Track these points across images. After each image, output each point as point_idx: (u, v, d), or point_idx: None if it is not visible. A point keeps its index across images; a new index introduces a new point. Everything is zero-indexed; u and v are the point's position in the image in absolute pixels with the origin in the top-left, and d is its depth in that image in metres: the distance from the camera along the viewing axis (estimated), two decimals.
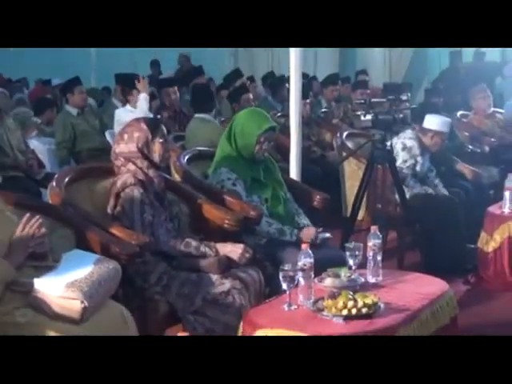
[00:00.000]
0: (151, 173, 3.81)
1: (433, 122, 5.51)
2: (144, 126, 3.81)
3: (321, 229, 4.12)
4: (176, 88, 7.38)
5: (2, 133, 5.98)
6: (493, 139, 6.45)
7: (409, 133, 5.52)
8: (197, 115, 6.48)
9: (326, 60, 11.16)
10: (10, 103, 8.13)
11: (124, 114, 6.42)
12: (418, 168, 5.54)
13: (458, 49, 11.44)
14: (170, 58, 11.52)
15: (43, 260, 3.22)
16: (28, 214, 3.16)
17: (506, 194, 5.06)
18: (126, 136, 3.83)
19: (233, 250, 3.73)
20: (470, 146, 6.33)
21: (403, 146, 5.44)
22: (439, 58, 12.19)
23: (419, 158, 5.53)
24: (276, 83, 8.61)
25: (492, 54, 11.32)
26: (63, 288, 2.98)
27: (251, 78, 9.73)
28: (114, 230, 3.57)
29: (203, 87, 7.36)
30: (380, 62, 10.27)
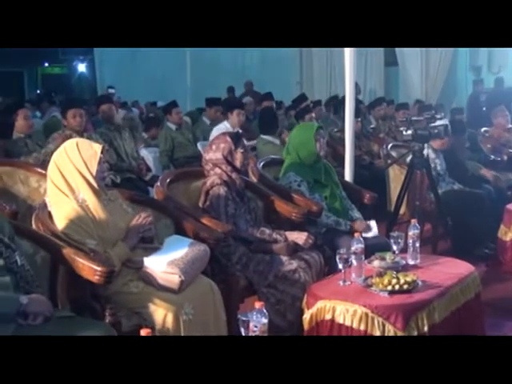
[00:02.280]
0: (234, 175, 3.97)
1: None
2: (228, 139, 3.98)
3: (372, 226, 4.22)
4: (242, 111, 7.36)
5: (121, 144, 6.34)
6: (510, 150, 6.48)
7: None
8: (262, 136, 6.75)
9: (374, 83, 11.30)
10: (125, 121, 8.34)
11: (223, 127, 6.72)
12: (438, 168, 5.64)
13: (480, 77, 11.67)
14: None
15: (151, 243, 3.43)
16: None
17: None
18: (214, 146, 4.01)
19: (299, 237, 3.87)
20: (492, 156, 6.31)
21: (428, 154, 5.39)
22: (466, 83, 12.17)
23: (437, 160, 5.64)
24: (336, 105, 8.78)
25: (510, 80, 11.49)
26: (165, 265, 3.18)
27: (317, 102, 9.74)
28: (204, 220, 3.72)
29: (270, 112, 7.42)
30: (418, 84, 10.40)
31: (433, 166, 5.55)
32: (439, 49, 10.20)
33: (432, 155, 5.62)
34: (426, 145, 5.12)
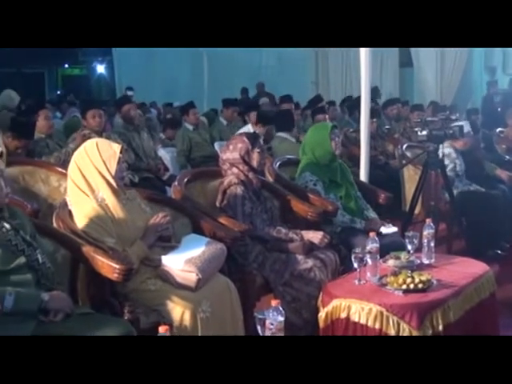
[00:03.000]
0: (250, 175, 3.98)
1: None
2: (245, 139, 4.00)
3: (387, 225, 4.19)
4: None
5: (139, 144, 6.33)
6: None
7: (446, 143, 5.44)
8: (278, 134, 6.72)
9: (389, 84, 11.28)
10: (143, 121, 8.44)
11: (247, 130, 6.66)
12: (458, 169, 5.61)
13: (495, 78, 11.69)
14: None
15: (168, 242, 3.43)
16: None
17: None
18: (231, 146, 4.02)
19: (314, 236, 3.85)
20: (507, 156, 6.30)
21: (443, 154, 5.33)
22: (481, 83, 12.14)
23: (457, 161, 5.62)
24: (351, 106, 8.74)
25: None
26: (183, 263, 3.19)
27: (331, 102, 9.72)
28: (221, 219, 3.73)
29: (287, 112, 7.42)
30: (433, 85, 10.36)
31: (452, 165, 5.60)
32: (454, 49, 10.15)
33: (453, 155, 5.64)
34: (441, 145, 5.10)
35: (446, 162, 5.48)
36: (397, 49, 11.23)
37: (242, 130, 6.69)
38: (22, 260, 2.84)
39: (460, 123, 5.25)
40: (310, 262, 3.75)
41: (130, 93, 9.73)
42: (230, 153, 4.02)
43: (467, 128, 5.55)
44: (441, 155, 5.10)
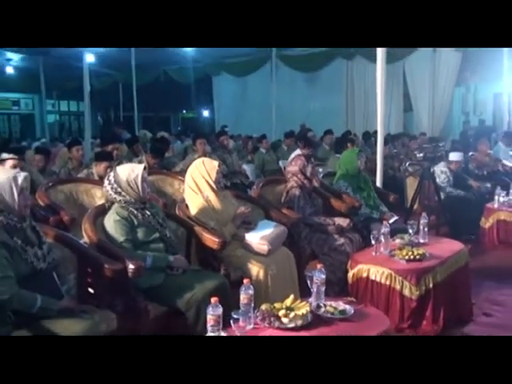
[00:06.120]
0: (305, 182, 3.92)
1: (453, 156, 5.57)
2: (303, 158, 4.00)
3: (394, 216, 4.09)
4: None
5: (230, 161, 6.45)
6: (488, 168, 6.35)
7: (442, 164, 5.54)
8: (335, 155, 6.38)
9: (396, 123, 11.08)
10: (233, 147, 8.47)
11: (297, 152, 6.60)
12: (451, 181, 5.49)
13: (469, 118, 11.35)
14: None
15: (249, 224, 3.39)
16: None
17: (496, 197, 5.17)
18: (293, 162, 3.98)
19: (344, 221, 3.79)
20: (476, 171, 6.16)
21: (441, 171, 5.47)
22: (459, 122, 11.83)
23: (450, 176, 5.49)
24: (366, 137, 8.64)
25: (488, 121, 11.31)
26: (258, 239, 3.21)
27: (354, 134, 9.36)
28: (284, 210, 3.72)
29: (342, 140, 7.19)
30: (426, 123, 10.11)
31: (446, 180, 5.49)
32: (441, 98, 9.87)
33: (448, 172, 5.53)
34: (433, 163, 5.03)
35: (443, 176, 5.49)
36: (402, 97, 10.96)
37: (294, 153, 6.62)
38: (156, 235, 2.87)
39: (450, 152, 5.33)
40: (341, 240, 3.69)
41: (225, 129, 9.84)
42: (293, 167, 3.98)
43: (458, 157, 5.58)
44: (432, 170, 4.98)
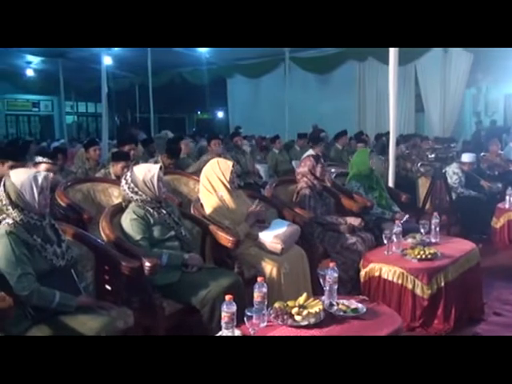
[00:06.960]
0: (315, 182, 3.92)
1: (466, 157, 5.54)
2: (312, 159, 3.98)
3: (406, 216, 4.04)
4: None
5: (244, 162, 6.45)
6: (499, 168, 6.31)
7: (455, 165, 5.51)
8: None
9: (408, 123, 10.98)
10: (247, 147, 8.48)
11: (310, 152, 6.60)
12: (463, 182, 5.44)
13: (480, 119, 11.21)
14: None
15: (262, 223, 3.38)
16: (257, 201, 3.41)
17: (507, 197, 5.08)
18: (303, 163, 4.01)
19: (356, 221, 3.78)
20: (488, 171, 6.11)
21: (453, 172, 5.43)
22: (470, 123, 11.71)
23: (462, 177, 5.45)
24: (377, 139, 8.63)
25: (500, 121, 11.13)
26: (272, 237, 3.19)
27: (366, 135, 9.29)
28: (296, 210, 3.71)
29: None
30: (437, 124, 10.02)
31: (458, 180, 5.44)
32: (452, 98, 9.75)
33: (460, 173, 5.49)
34: (445, 163, 4.99)
35: (455, 176, 5.45)
36: (413, 98, 10.86)
37: (307, 153, 6.64)
38: (172, 233, 2.88)
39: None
40: (353, 239, 3.67)
41: (239, 130, 9.86)
42: (302, 168, 3.99)
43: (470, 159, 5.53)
44: (444, 171, 4.95)
